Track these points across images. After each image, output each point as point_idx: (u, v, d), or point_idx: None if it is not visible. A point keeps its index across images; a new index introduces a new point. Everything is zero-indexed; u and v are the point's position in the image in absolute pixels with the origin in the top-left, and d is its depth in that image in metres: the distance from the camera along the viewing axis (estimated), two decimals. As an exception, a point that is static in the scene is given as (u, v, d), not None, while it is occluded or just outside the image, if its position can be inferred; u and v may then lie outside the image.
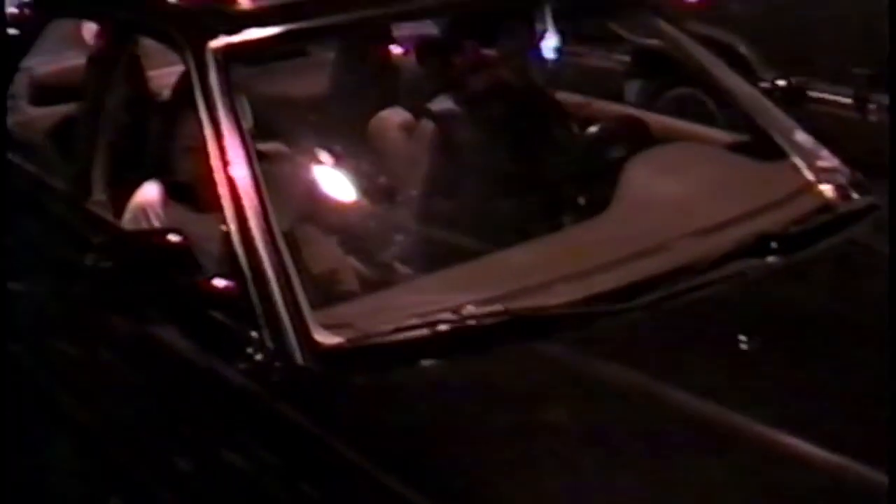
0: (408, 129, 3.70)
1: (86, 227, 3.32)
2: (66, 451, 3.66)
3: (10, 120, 4.26)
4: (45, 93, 4.30)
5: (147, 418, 3.02)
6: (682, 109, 6.09)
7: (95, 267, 2.67)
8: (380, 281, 3.36)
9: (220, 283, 2.64)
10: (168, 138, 3.29)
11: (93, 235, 3.22)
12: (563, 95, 4.10)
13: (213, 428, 2.70)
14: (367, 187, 3.73)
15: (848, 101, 5.23)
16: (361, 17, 3.22)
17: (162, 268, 2.67)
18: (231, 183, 2.72)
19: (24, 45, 4.16)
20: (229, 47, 2.98)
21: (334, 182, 3.67)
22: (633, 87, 6.41)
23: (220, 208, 2.77)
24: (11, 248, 3.83)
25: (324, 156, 3.73)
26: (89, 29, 4.84)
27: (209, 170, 2.80)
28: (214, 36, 2.99)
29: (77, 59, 4.63)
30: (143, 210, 3.23)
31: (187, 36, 3.03)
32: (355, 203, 3.65)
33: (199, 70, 2.90)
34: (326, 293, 3.09)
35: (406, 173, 3.62)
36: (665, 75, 6.05)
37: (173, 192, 3.26)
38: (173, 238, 2.67)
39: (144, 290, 2.69)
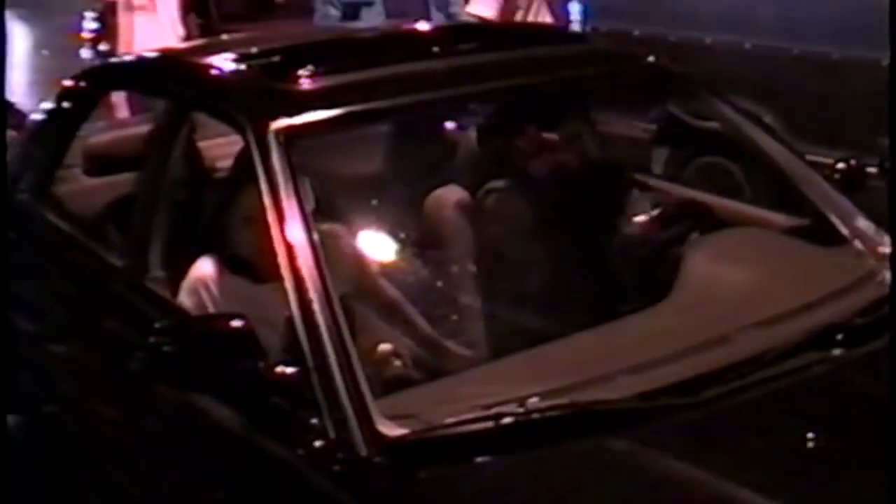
0: (464, 208, 3.70)
1: (144, 304, 3.32)
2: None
3: (65, 188, 4.29)
4: (98, 163, 4.31)
5: (191, 492, 3.01)
6: (708, 178, 6.10)
7: (156, 349, 2.65)
8: (434, 363, 3.35)
9: (282, 370, 2.62)
10: (226, 211, 3.33)
11: (152, 313, 3.23)
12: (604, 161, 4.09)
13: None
14: (423, 266, 3.72)
15: (874, 170, 5.21)
16: (421, 100, 3.21)
17: (224, 352, 2.66)
18: (294, 267, 2.74)
19: (78, 117, 4.18)
20: (291, 129, 2.99)
21: (389, 260, 3.67)
22: (660, 155, 6.42)
23: (282, 291, 2.77)
24: (62, 315, 3.88)
25: (378, 235, 3.73)
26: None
27: (271, 250, 2.81)
28: (276, 117, 2.99)
29: (130, 129, 4.69)
30: (198, 285, 3.26)
31: (249, 116, 3.04)
32: (410, 282, 3.64)
33: (261, 151, 2.92)
34: (379, 374, 3.08)
35: (462, 253, 3.61)
36: (692, 143, 6.05)
37: (230, 265, 3.28)
38: (236, 324, 2.67)
39: (205, 374, 2.67)
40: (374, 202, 3.81)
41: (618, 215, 3.62)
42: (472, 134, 3.90)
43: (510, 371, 2.78)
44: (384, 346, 3.43)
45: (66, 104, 4.27)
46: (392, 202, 3.91)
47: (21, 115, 7.19)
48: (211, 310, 3.20)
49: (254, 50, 3.56)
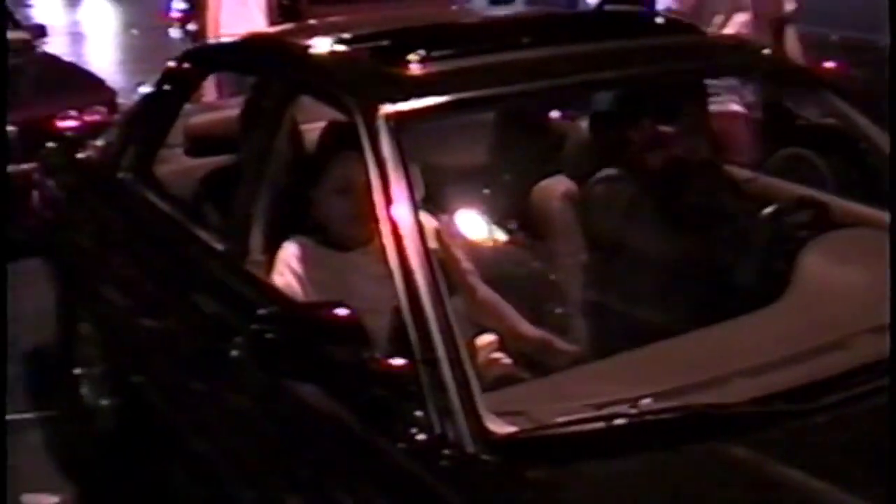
0: (572, 199, 3.64)
1: (243, 288, 3.31)
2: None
3: (166, 168, 4.29)
4: (199, 143, 4.31)
5: (289, 480, 2.99)
6: (793, 170, 5.97)
7: (258, 336, 2.62)
8: (538, 358, 3.29)
9: (389, 361, 2.58)
10: (314, 186, 3.33)
11: (252, 297, 3.22)
12: (725, 168, 4.00)
13: (362, 499, 2.66)
14: (529, 258, 3.67)
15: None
16: (534, 89, 3.16)
17: (328, 341, 2.63)
18: (403, 257, 2.69)
19: (180, 97, 4.18)
20: (401, 114, 2.95)
21: (492, 251, 3.63)
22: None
23: (389, 280, 2.75)
24: (159, 293, 3.90)
25: (483, 225, 3.68)
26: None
27: (366, 221, 2.86)
28: (385, 101, 2.96)
29: (231, 110, 4.69)
30: (284, 267, 3.28)
31: (358, 100, 3.01)
32: (515, 274, 3.61)
33: (370, 135, 2.89)
34: (481, 368, 3.04)
35: (570, 245, 3.55)
36: (777, 134, 5.92)
37: (317, 240, 3.29)
38: (341, 313, 2.63)
39: (308, 363, 2.64)
40: (480, 192, 3.75)
41: (730, 211, 3.53)
42: (581, 124, 3.82)
43: (621, 370, 2.71)
44: (486, 337, 3.40)
45: (168, 85, 4.25)
46: (498, 192, 3.88)
47: (111, 92, 7.29)
48: (297, 290, 3.19)
49: (360, 33, 3.50)
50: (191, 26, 9.10)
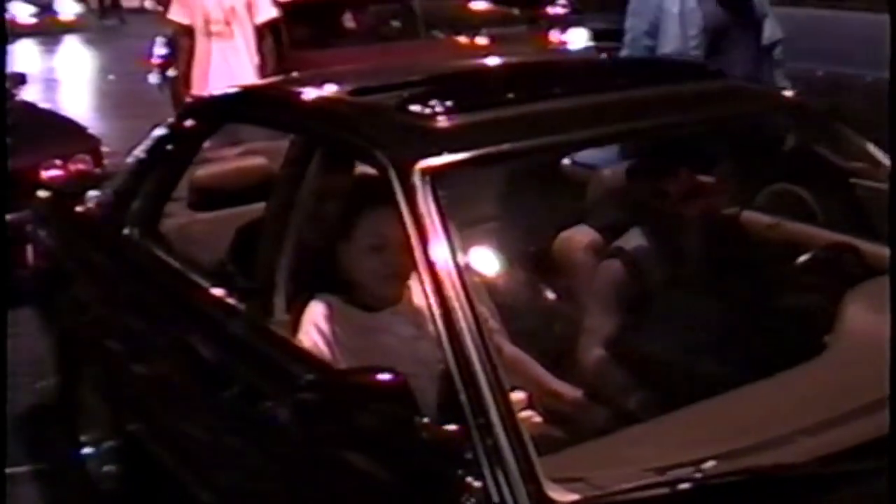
0: (597, 251, 3.57)
1: (270, 350, 3.22)
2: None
3: (171, 223, 4.21)
4: (205, 196, 4.23)
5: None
6: (781, 207, 5.93)
7: (303, 404, 2.55)
8: (573, 417, 3.22)
9: (441, 427, 2.50)
10: (342, 242, 3.24)
11: (281, 360, 3.15)
12: (748, 214, 3.95)
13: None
14: (554, 312, 3.60)
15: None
16: (573, 140, 3.10)
17: (376, 408, 2.55)
18: (449, 319, 2.61)
19: (188, 152, 4.10)
20: (437, 169, 2.88)
21: (517, 305, 3.56)
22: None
23: (433, 341, 2.70)
24: (175, 357, 3.80)
25: (503, 279, 3.62)
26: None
27: (410, 294, 2.85)
28: (420, 156, 2.90)
29: (237, 161, 4.61)
30: (311, 328, 3.18)
31: (391, 155, 2.94)
32: (539, 330, 3.56)
33: (407, 192, 2.82)
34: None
35: (594, 300, 3.48)
36: (762, 169, 5.89)
37: (346, 299, 3.20)
38: (387, 378, 2.58)
39: (354, 430, 2.56)
40: (497, 245, 3.69)
41: (763, 260, 3.48)
42: (604, 172, 3.77)
43: (675, 430, 2.64)
44: (516, 395, 3.31)
45: (176, 139, 4.17)
46: (517, 244, 3.80)
47: (94, 140, 7.17)
48: (325, 351, 3.10)
49: (380, 83, 3.43)
50: (171, 72, 9.00)
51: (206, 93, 6.67)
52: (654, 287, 3.42)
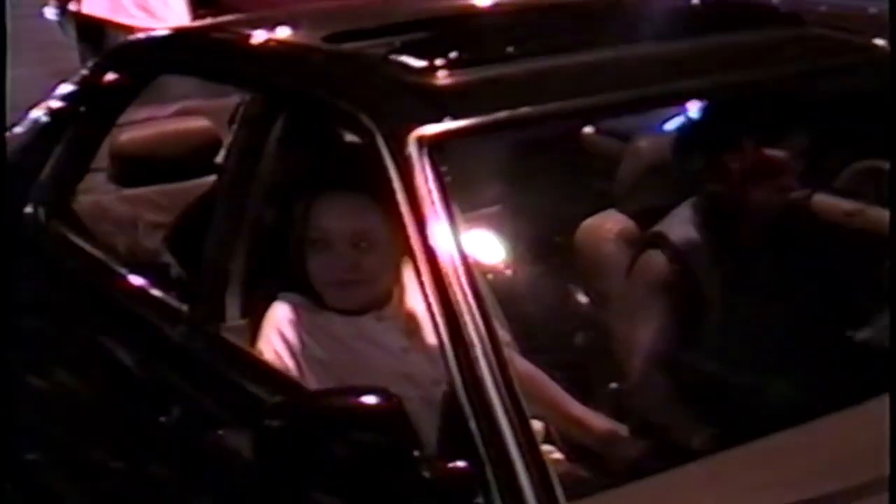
0: (630, 242, 3.60)
1: (223, 365, 3.25)
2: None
3: (87, 200, 4.24)
4: (132, 169, 4.26)
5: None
6: (866, 189, 5.97)
7: (269, 434, 2.60)
8: (599, 449, 3.27)
9: (448, 464, 2.53)
10: (297, 224, 3.26)
11: (235, 377, 3.20)
12: (821, 198, 3.98)
13: None
14: (575, 317, 3.63)
15: None
16: (608, 102, 3.13)
17: (357, 437, 2.58)
18: (454, 324, 2.64)
19: (110, 113, 4.13)
20: (437, 137, 2.91)
21: (532, 311, 3.59)
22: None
23: (429, 354, 2.83)
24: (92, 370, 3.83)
25: (514, 274, 3.65)
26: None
27: (418, 293, 2.78)
28: (418, 121, 2.92)
29: (174, 123, 4.62)
30: (272, 334, 3.20)
31: (379, 119, 2.96)
32: (557, 338, 3.63)
33: (401, 166, 2.84)
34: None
35: (631, 304, 3.51)
36: (845, 142, 5.93)
37: (317, 300, 3.22)
38: (376, 400, 2.61)
39: (335, 465, 2.59)
40: (508, 234, 3.71)
41: (845, 258, 3.52)
42: (640, 144, 3.79)
43: (738, 471, 2.67)
44: (534, 425, 3.35)
45: (92, 96, 4.16)
46: (532, 233, 3.82)
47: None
48: (290, 365, 3.13)
49: (360, 27, 3.45)
50: (72, 5, 8.96)
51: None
52: (706, 289, 3.45)
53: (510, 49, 3.30)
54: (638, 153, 3.87)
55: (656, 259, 3.53)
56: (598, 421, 3.33)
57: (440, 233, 2.76)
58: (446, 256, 2.73)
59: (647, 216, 3.74)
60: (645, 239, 3.62)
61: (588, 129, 4.34)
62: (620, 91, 3.23)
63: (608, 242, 3.70)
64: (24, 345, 4.12)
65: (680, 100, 3.46)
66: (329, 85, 3.28)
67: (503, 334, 3.24)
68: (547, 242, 3.84)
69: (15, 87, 4.48)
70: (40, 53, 10.21)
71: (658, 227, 3.59)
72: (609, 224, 3.76)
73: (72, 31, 9.32)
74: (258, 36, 3.67)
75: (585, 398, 3.42)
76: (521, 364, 3.37)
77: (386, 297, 3.25)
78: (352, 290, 3.19)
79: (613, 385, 3.56)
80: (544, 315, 3.69)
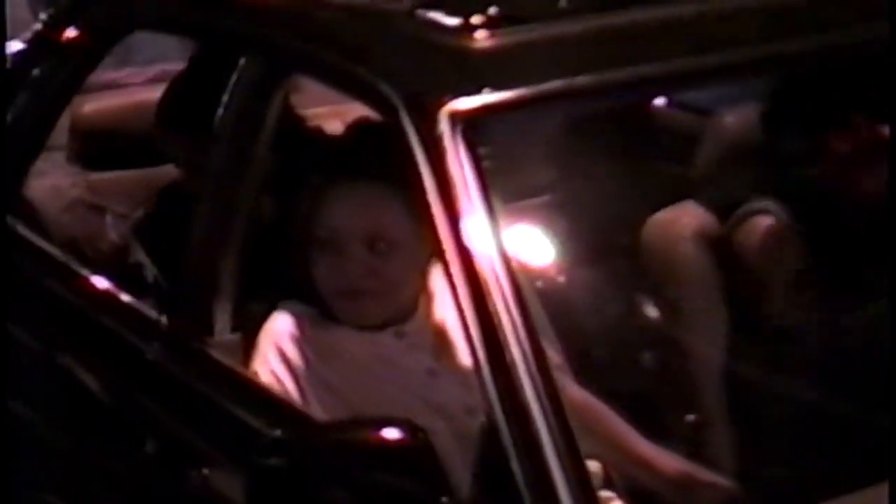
0: (710, 240, 3.66)
1: (207, 386, 3.31)
2: None
3: (41, 185, 4.29)
4: (93, 147, 4.30)
5: None
6: None
7: (266, 474, 2.68)
8: (667, 493, 3.33)
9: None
10: (302, 221, 3.32)
11: (227, 405, 3.24)
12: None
13: None
14: (641, 332, 3.68)
15: None
16: (676, 71, 3.18)
17: (375, 479, 2.65)
18: (491, 333, 2.69)
19: (65, 84, 4.18)
20: (475, 113, 2.95)
21: (589, 326, 3.64)
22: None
23: (463, 377, 2.86)
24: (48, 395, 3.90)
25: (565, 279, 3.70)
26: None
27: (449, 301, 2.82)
28: (451, 93, 2.97)
29: (146, 93, 4.67)
30: (274, 353, 3.25)
31: (405, 90, 3.01)
32: (622, 364, 3.67)
33: (430, 147, 2.89)
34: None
35: (707, 310, 3.56)
36: None
37: (324, 312, 3.28)
38: (392, 434, 2.67)
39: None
40: (559, 228, 3.76)
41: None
42: (726, 120, 3.82)
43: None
44: (589, 465, 3.40)
45: (47, 58, 4.23)
46: (589, 230, 3.86)
47: None
48: (293, 390, 3.20)
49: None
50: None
51: None
52: (806, 301, 3.48)
53: (563, 3, 3.36)
54: (721, 131, 3.89)
55: (763, 222, 3.61)
56: (670, 461, 3.37)
57: (477, 229, 2.81)
58: (484, 258, 2.78)
59: (731, 209, 3.77)
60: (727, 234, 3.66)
61: (660, 102, 4.33)
62: (700, 55, 3.26)
63: (684, 241, 3.74)
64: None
65: (774, 66, 3.46)
66: (341, 46, 3.34)
67: (553, 355, 3.27)
68: (607, 241, 3.86)
69: None
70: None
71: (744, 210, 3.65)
72: (685, 219, 3.80)
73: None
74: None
75: (654, 433, 3.47)
76: (574, 391, 3.41)
77: (409, 308, 3.31)
78: (367, 302, 3.25)
79: (689, 417, 3.56)
80: (604, 331, 3.73)
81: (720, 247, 3.68)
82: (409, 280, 3.26)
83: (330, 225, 3.22)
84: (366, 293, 3.21)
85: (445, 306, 3.09)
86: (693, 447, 3.47)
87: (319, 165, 3.37)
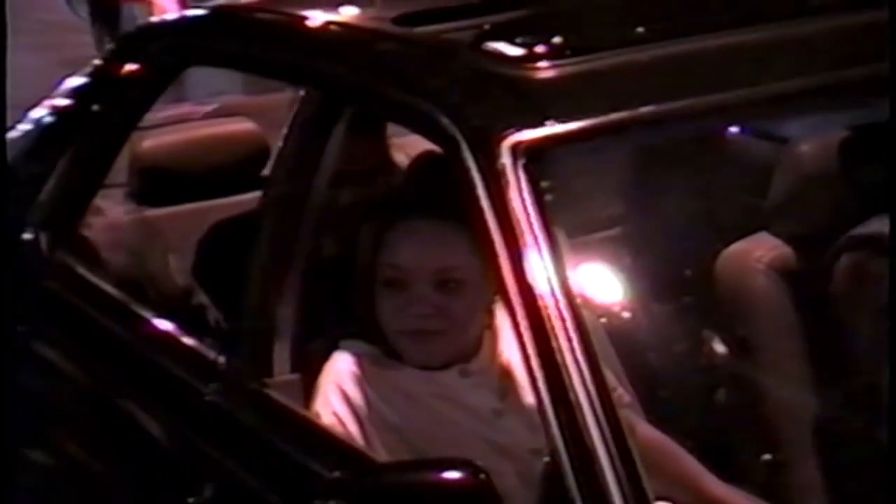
0: (788, 273, 3.65)
1: (266, 428, 3.32)
2: None
3: (101, 224, 4.33)
4: (155, 182, 4.32)
5: None
6: None
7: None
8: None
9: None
10: (368, 259, 3.33)
11: (290, 447, 3.25)
12: None
13: None
14: (717, 374, 3.66)
15: None
16: (752, 98, 3.17)
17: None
18: (555, 372, 2.70)
19: (124, 119, 4.22)
20: (540, 144, 2.96)
21: (659, 363, 3.63)
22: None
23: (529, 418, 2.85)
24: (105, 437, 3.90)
25: (632, 314, 3.69)
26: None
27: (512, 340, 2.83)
28: (513, 126, 2.98)
29: (207, 128, 4.70)
30: (336, 393, 3.27)
31: (465, 122, 3.02)
32: (694, 402, 3.68)
33: (491, 180, 2.90)
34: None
35: (785, 347, 3.55)
36: None
37: (386, 351, 3.30)
38: (454, 476, 2.68)
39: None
40: (627, 261, 3.75)
41: None
42: (801, 148, 3.81)
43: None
44: (661, 507, 3.40)
45: (104, 94, 4.26)
46: (659, 264, 3.85)
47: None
48: (355, 431, 3.21)
49: (435, 6, 3.51)
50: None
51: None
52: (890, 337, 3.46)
53: (629, 32, 3.36)
54: (798, 161, 3.86)
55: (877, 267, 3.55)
56: (745, 503, 3.35)
57: (539, 264, 2.81)
58: (547, 295, 2.78)
59: (808, 242, 3.75)
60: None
61: (733, 131, 4.32)
62: (776, 82, 3.25)
63: (757, 275, 3.71)
64: (21, 408, 4.20)
65: (852, 92, 3.44)
66: (400, 79, 3.35)
67: (621, 393, 3.28)
68: (677, 276, 3.85)
69: (13, 80, 4.52)
70: (45, 37, 10.31)
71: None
72: (759, 251, 3.77)
73: (84, 10, 9.49)
74: (313, 17, 3.72)
75: (728, 474, 3.46)
76: (643, 430, 3.41)
77: (474, 346, 3.32)
78: (434, 342, 3.26)
79: (766, 457, 3.54)
80: (675, 369, 3.71)
81: (796, 280, 3.64)
82: (476, 318, 3.25)
83: (397, 263, 3.23)
84: (433, 333, 3.23)
85: (510, 344, 3.06)
86: (769, 489, 3.45)
87: (384, 201, 3.34)
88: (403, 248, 3.21)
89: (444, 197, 3.14)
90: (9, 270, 3.99)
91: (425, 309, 3.20)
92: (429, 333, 3.22)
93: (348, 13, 3.71)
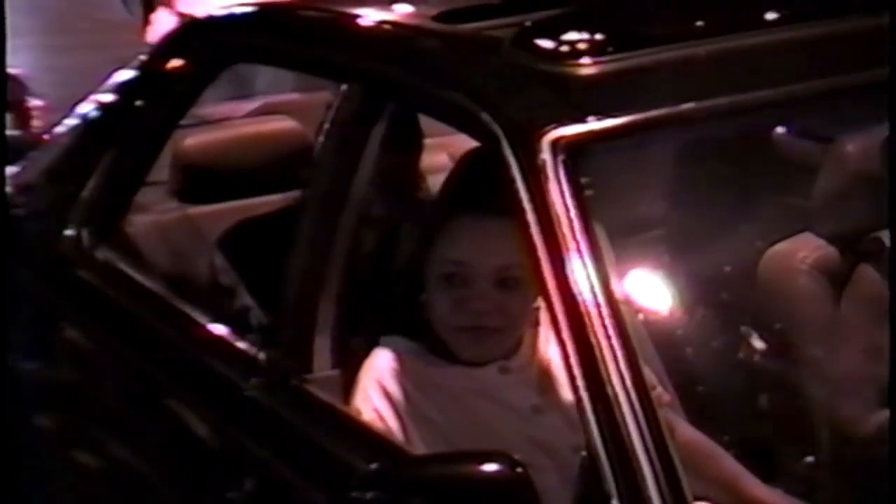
0: (831, 274, 3.65)
1: (307, 423, 3.35)
2: None
3: (143, 222, 4.36)
4: (197, 179, 4.35)
5: None
6: None
7: (365, 500, 2.75)
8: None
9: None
10: (419, 254, 3.36)
11: (328, 441, 3.28)
12: None
13: None
14: (759, 374, 3.66)
15: None
16: (796, 95, 3.18)
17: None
18: (594, 371, 2.72)
19: (167, 116, 4.24)
20: (580, 141, 2.98)
21: (701, 363, 3.63)
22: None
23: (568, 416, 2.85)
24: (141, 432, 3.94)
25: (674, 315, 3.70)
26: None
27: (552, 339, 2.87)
28: (554, 122, 3.00)
29: (249, 126, 4.71)
30: (376, 389, 3.29)
31: (506, 118, 3.05)
32: (736, 402, 3.66)
33: (531, 177, 2.92)
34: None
35: (828, 349, 3.54)
36: None
37: (430, 340, 3.32)
38: (492, 469, 2.69)
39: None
40: (667, 262, 3.75)
41: None
42: (847, 147, 3.80)
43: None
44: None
45: (149, 89, 4.30)
46: (701, 264, 3.86)
47: (17, 86, 7.29)
48: (395, 426, 3.23)
49: (476, 2, 3.53)
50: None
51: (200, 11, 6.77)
52: None
53: (671, 29, 3.38)
54: (843, 160, 3.86)
55: (869, 276, 3.57)
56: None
57: (579, 263, 2.83)
58: (587, 293, 2.80)
59: (852, 242, 3.76)
60: (858, 251, 3.65)
61: (778, 130, 4.32)
62: (822, 79, 3.26)
63: (800, 275, 3.73)
64: (62, 405, 4.23)
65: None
66: (441, 75, 3.38)
67: (660, 392, 3.29)
68: (720, 275, 3.85)
69: (66, 79, 4.53)
70: (101, 36, 10.29)
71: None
72: (803, 251, 3.79)
73: (138, 8, 9.49)
74: (355, 14, 3.75)
75: (769, 476, 3.47)
76: (683, 430, 3.42)
77: (515, 344, 3.33)
78: (491, 339, 3.29)
79: (808, 459, 3.54)
80: (716, 369, 3.72)
81: (840, 281, 3.63)
82: (527, 315, 3.26)
83: (458, 258, 3.25)
84: (492, 330, 3.25)
85: (550, 341, 3.08)
86: (810, 490, 3.44)
87: (440, 196, 3.35)
88: (465, 244, 3.24)
89: (502, 194, 3.10)
90: (8, 271, 3.99)
91: (486, 305, 3.22)
92: (488, 330, 3.25)
93: (401, 10, 3.73)
